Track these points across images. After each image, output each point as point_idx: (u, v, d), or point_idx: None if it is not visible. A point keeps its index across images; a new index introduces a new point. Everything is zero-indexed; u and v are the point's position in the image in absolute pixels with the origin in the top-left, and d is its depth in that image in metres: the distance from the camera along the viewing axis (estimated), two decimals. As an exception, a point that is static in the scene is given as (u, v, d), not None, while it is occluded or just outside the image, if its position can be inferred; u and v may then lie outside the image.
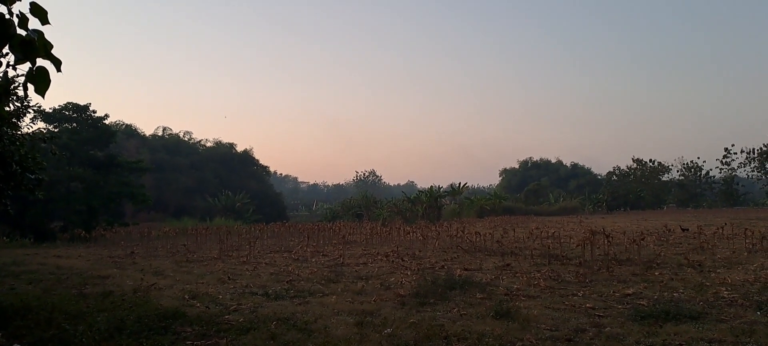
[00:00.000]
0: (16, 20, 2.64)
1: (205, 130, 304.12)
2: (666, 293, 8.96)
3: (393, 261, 14.41)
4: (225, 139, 77.19)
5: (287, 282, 10.92)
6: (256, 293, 9.67)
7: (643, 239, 15.40)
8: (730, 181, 68.64)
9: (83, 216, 32.10)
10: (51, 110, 34.69)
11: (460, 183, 57.75)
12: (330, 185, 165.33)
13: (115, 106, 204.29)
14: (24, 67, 2.75)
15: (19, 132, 10.83)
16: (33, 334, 6.55)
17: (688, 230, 22.64)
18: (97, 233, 27.22)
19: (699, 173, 73.01)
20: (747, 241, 16.27)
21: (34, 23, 2.72)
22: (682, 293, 9.02)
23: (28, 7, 2.67)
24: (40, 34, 2.71)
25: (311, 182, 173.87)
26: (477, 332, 6.50)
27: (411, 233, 23.09)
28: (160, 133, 73.03)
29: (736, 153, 68.39)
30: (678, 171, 74.67)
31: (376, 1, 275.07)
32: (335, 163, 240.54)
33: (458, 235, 20.23)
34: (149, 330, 6.71)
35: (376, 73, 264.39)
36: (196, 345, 6.21)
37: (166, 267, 14.03)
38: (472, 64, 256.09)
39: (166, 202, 53.40)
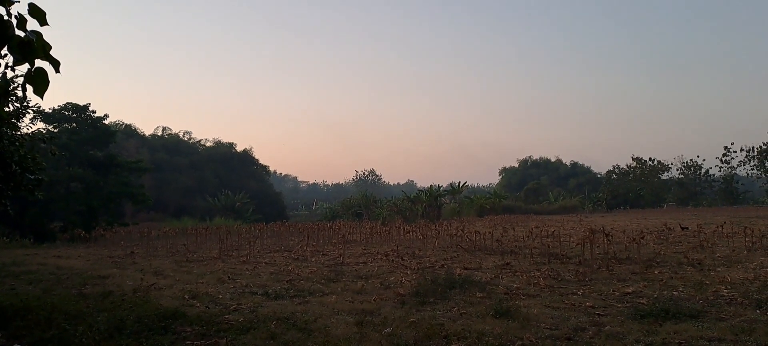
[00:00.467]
0: (14, 21, 2.64)
1: (205, 130, 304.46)
2: (666, 292, 8.96)
3: (393, 260, 14.41)
4: (224, 139, 77.25)
5: (287, 282, 10.92)
6: (256, 293, 9.67)
7: (642, 238, 15.40)
8: (730, 179, 68.65)
9: (83, 216, 32.08)
10: (50, 111, 34.68)
11: (459, 182, 57.77)
12: (330, 184, 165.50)
13: (114, 106, 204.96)
14: (23, 68, 2.75)
15: (19, 132, 10.82)
16: (33, 334, 6.55)
17: (687, 228, 22.64)
18: (97, 233, 27.21)
19: (699, 172, 73.02)
20: (747, 239, 16.27)
21: (32, 24, 2.72)
22: (682, 291, 9.02)
23: (27, 8, 2.67)
24: (38, 35, 2.71)
25: (311, 182, 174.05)
26: (477, 331, 6.50)
27: (411, 232, 23.09)
28: (159, 133, 73.07)
29: (735, 151, 68.45)
30: (678, 169, 74.75)
31: (376, 1, 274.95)
32: (335, 163, 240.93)
33: (458, 234, 20.24)
34: (149, 330, 6.71)
35: (376, 73, 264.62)
36: (196, 345, 6.21)
37: (165, 267, 14.03)
38: (472, 63, 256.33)
39: (165, 202, 53.40)
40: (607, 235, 14.64)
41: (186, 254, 17.11)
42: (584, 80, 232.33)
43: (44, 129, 32.73)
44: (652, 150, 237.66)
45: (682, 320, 6.91)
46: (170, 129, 75.26)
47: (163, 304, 8.42)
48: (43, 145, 12.38)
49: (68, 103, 35.29)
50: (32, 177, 10.54)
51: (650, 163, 75.18)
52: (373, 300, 8.72)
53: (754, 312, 7.32)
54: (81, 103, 35.58)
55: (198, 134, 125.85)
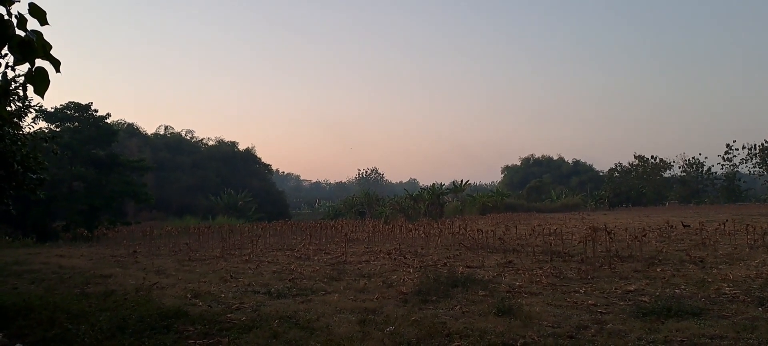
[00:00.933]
0: (14, 21, 2.64)
1: (207, 129, 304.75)
2: (668, 290, 8.94)
3: (395, 259, 14.41)
4: (227, 138, 77.23)
5: (289, 280, 10.93)
6: (259, 292, 9.68)
7: (644, 236, 15.36)
8: (732, 177, 68.55)
9: (85, 215, 32.19)
10: (53, 110, 34.78)
11: (462, 180, 57.83)
12: (332, 182, 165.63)
13: (116, 106, 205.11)
14: (23, 68, 2.75)
15: (21, 132, 10.83)
16: (35, 333, 6.57)
17: (689, 226, 22.58)
18: (100, 233, 27.27)
19: (701, 169, 72.89)
20: (749, 237, 16.22)
21: (32, 24, 2.72)
22: (684, 289, 9.00)
23: (27, 7, 2.67)
24: (38, 34, 2.71)
25: (313, 180, 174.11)
26: (479, 329, 6.49)
27: (413, 231, 23.08)
28: (161, 132, 73.14)
29: (737, 149, 68.38)
30: (680, 167, 74.62)
31: (377, 1, 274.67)
32: (337, 162, 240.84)
33: (460, 232, 20.24)
34: (151, 329, 6.72)
35: (379, 72, 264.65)
36: (199, 344, 6.21)
37: (168, 266, 14.05)
38: (474, 62, 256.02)
39: (168, 201, 53.47)
40: (609, 233, 14.61)
41: (188, 253, 17.14)
42: (587, 78, 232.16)
43: (46, 128, 32.82)
44: (654, 148, 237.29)
45: (684, 317, 6.90)
46: (172, 128, 75.44)
47: (165, 303, 8.43)
48: (45, 144, 12.37)
49: (70, 102, 35.40)
50: (34, 176, 10.55)
51: (652, 161, 75.06)
52: (376, 299, 8.72)
53: (756, 310, 7.30)
54: (83, 103, 35.74)
55: (200, 133, 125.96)
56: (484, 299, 8.40)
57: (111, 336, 6.37)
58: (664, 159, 74.98)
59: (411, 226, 25.71)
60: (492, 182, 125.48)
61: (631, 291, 8.93)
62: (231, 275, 11.90)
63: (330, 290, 9.71)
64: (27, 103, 11.94)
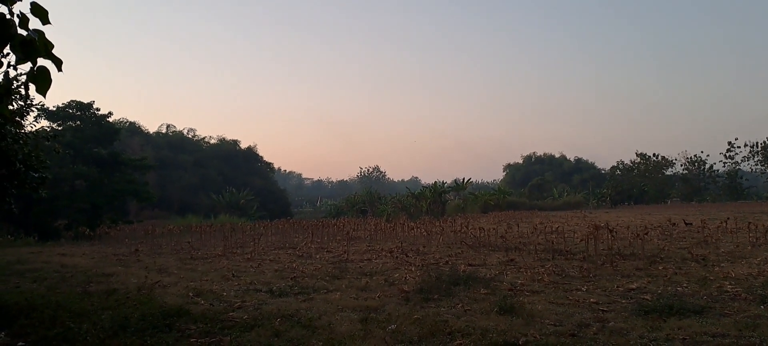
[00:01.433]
0: (16, 20, 2.64)
1: (209, 128, 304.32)
2: (670, 288, 8.93)
3: (397, 257, 14.42)
4: (229, 137, 77.29)
5: (291, 279, 10.94)
6: (260, 290, 9.69)
7: (646, 234, 15.34)
8: (734, 175, 68.48)
9: (87, 214, 32.24)
10: (55, 108, 34.79)
11: (463, 179, 57.85)
12: (334, 181, 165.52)
13: (118, 104, 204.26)
14: (25, 67, 2.75)
15: (23, 131, 10.86)
16: (37, 332, 6.58)
17: (691, 224, 22.56)
18: (102, 231, 27.33)
19: (702, 167, 72.83)
20: (751, 235, 16.20)
21: (34, 23, 2.72)
22: (686, 287, 8.99)
23: (29, 7, 2.67)
24: (40, 34, 2.71)
25: (315, 179, 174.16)
26: (481, 327, 6.50)
27: (415, 229, 23.08)
28: (163, 131, 73.27)
29: (739, 147, 68.30)
30: (681, 165, 74.60)
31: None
32: (339, 160, 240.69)
33: (462, 230, 20.23)
34: (153, 328, 6.74)
35: (381, 70, 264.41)
36: (200, 342, 6.22)
37: (170, 265, 14.07)
38: (475, 60, 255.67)
39: (170, 199, 53.58)
40: (611, 231, 14.62)
41: (190, 252, 17.16)
42: (588, 76, 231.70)
43: (48, 127, 32.91)
44: (656, 146, 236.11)
45: (686, 315, 6.89)
46: (174, 126, 75.55)
47: (167, 302, 8.45)
48: (47, 143, 12.41)
49: (72, 101, 35.39)
50: (36, 175, 10.58)
51: (654, 159, 74.98)
52: (377, 297, 8.73)
53: (758, 308, 7.29)
54: (85, 101, 35.71)
55: (202, 132, 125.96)
56: (486, 298, 8.39)
57: (113, 335, 6.38)
58: (666, 157, 75.03)
59: (413, 224, 25.73)
60: (494, 180, 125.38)
61: (633, 289, 8.92)
62: (233, 274, 11.91)
63: (332, 289, 9.72)
64: (29, 102, 11.95)
